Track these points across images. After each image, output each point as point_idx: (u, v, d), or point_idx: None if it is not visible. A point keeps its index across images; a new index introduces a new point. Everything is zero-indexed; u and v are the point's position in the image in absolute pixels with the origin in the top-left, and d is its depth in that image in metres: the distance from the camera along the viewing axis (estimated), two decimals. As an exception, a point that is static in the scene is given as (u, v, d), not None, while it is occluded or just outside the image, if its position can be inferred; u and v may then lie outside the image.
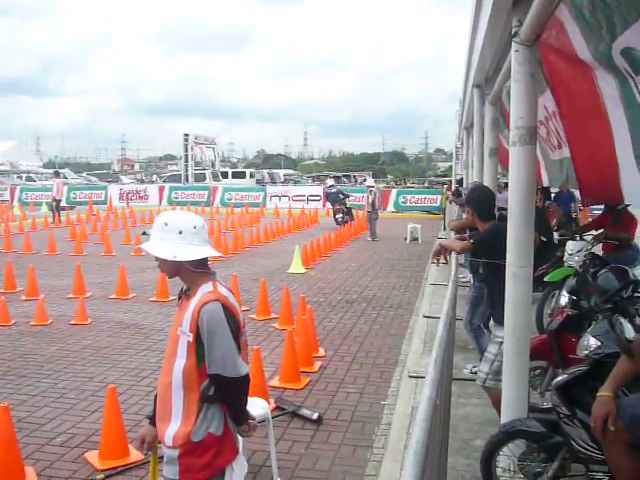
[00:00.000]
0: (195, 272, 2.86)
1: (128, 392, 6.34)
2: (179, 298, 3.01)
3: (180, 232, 2.84)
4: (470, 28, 5.99)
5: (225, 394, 2.82)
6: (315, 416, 5.69)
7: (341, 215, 23.47)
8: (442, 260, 5.23)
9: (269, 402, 5.67)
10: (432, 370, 2.18)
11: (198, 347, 2.76)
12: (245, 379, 2.84)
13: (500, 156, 8.23)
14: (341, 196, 23.88)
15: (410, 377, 6.86)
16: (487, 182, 7.55)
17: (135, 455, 4.98)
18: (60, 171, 31.25)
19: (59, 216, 25.01)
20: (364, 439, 5.39)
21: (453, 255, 5.33)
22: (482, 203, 5.11)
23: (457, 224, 7.26)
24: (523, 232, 3.92)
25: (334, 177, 48.39)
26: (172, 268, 2.89)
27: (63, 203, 32.45)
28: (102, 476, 4.69)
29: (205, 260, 2.92)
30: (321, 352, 7.78)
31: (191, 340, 2.76)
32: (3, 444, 4.50)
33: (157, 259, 2.90)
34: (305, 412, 5.77)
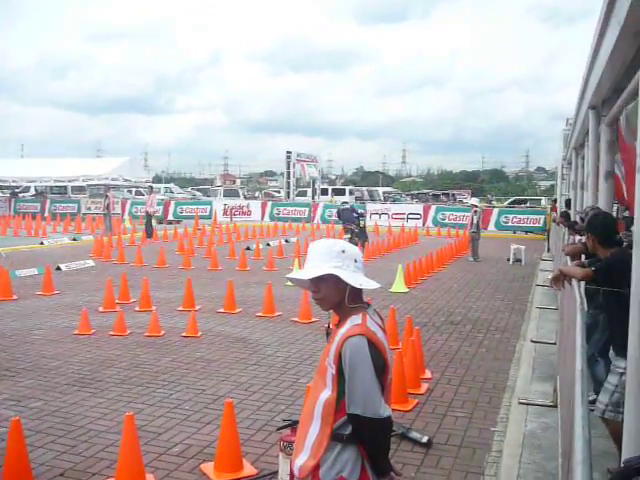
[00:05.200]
0: (351, 305, 2.71)
1: (239, 406, 6.48)
2: (327, 331, 2.89)
3: (355, 260, 2.72)
4: (592, 49, 5.87)
5: (363, 437, 2.60)
6: (425, 439, 5.67)
7: (349, 236, 20.37)
8: (561, 287, 5.12)
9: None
10: (581, 407, 2.14)
11: (340, 382, 2.61)
12: (386, 422, 2.60)
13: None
14: (355, 215, 21.35)
15: (520, 404, 6.73)
16: (602, 206, 7.34)
17: (249, 469, 5.13)
18: (153, 186, 31.62)
19: (148, 231, 24.98)
20: (475, 465, 5.32)
21: (574, 282, 5.20)
22: (605, 229, 4.99)
23: (572, 249, 7.08)
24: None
25: (433, 195, 48.18)
26: (339, 299, 2.71)
27: (170, 217, 33.62)
28: None
29: (361, 293, 2.78)
30: (427, 374, 7.74)
31: (334, 372, 2.62)
32: (128, 451, 4.71)
33: (318, 288, 2.73)
34: (414, 435, 5.75)
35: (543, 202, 44.19)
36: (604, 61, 5.26)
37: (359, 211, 22.43)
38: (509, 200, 47.41)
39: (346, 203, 25.47)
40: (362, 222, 21.73)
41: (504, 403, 6.86)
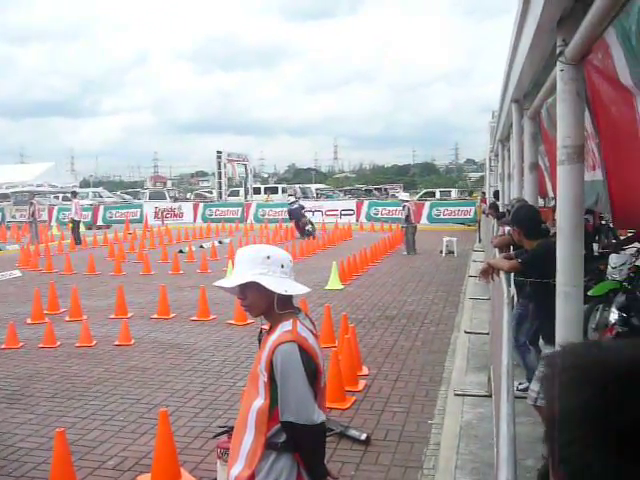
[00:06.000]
0: (280, 312, 2.68)
1: (175, 414, 6.37)
2: (259, 336, 2.87)
3: (282, 266, 2.67)
4: (511, 45, 5.97)
5: (298, 444, 2.59)
6: (363, 437, 5.68)
7: (310, 226, 25.40)
8: (490, 279, 5.21)
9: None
10: (506, 403, 2.15)
11: (272, 389, 2.59)
12: (320, 428, 2.62)
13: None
14: (303, 210, 26.34)
15: (456, 395, 6.83)
16: (528, 197, 7.51)
17: (187, 478, 5.03)
18: (77, 191, 30.60)
19: (76, 238, 24.03)
20: (413, 460, 5.36)
21: (502, 274, 5.30)
22: (529, 222, 5.09)
23: (500, 241, 7.22)
24: (573, 251, 3.87)
25: (365, 191, 48.71)
26: (267, 305, 2.68)
27: (99, 222, 32.70)
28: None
29: (291, 298, 2.75)
30: (364, 370, 7.77)
31: (266, 380, 2.60)
32: (60, 468, 4.57)
33: (244, 295, 2.70)
34: (353, 432, 5.76)
35: (453, 194, 45.32)
36: (523, 56, 5.36)
37: (305, 207, 27.79)
38: (420, 193, 48.09)
39: (294, 203, 26.77)
40: (309, 216, 26.70)
41: (441, 395, 6.94)
